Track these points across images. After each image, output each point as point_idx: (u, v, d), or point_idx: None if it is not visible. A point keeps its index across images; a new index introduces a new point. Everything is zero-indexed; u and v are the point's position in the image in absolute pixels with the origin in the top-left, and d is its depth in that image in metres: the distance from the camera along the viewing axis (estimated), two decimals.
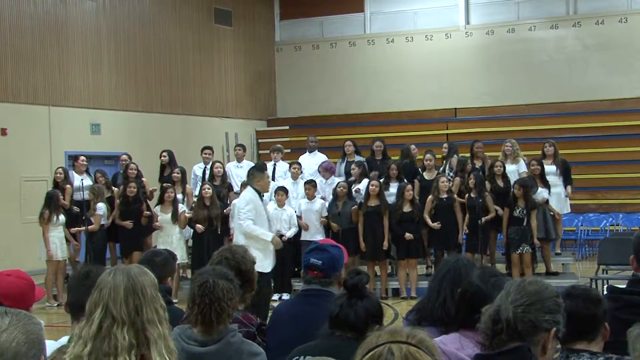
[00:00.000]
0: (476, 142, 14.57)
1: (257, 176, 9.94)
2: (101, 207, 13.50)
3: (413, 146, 14.82)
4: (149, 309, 2.71)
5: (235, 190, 14.28)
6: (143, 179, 14.27)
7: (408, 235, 12.88)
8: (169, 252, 5.14)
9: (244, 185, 13.55)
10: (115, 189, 14.28)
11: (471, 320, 3.26)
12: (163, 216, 13.30)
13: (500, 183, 13.32)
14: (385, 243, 13.00)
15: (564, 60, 20.48)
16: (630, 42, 19.98)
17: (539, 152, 14.27)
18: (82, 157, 14.70)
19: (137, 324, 2.68)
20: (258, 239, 9.71)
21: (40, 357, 2.24)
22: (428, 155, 13.92)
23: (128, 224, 13.46)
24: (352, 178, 13.90)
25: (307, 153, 15.18)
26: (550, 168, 13.63)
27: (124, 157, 14.98)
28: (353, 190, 13.48)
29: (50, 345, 3.32)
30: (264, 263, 9.39)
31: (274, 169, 14.72)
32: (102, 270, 3.69)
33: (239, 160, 15.05)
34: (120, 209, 13.61)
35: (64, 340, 3.50)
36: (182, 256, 13.35)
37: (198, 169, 14.94)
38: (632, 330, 2.87)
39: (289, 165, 14.51)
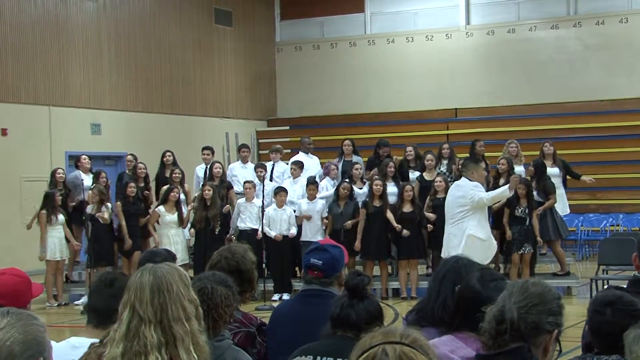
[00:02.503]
0: (477, 142, 14.57)
1: (471, 168, 10.51)
2: (108, 205, 13.57)
3: (410, 147, 14.72)
4: (174, 306, 2.72)
5: (237, 191, 14.33)
6: (150, 183, 14.34)
7: (405, 232, 12.89)
8: (168, 252, 5.12)
9: (247, 183, 13.63)
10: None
11: (467, 323, 3.25)
12: (170, 217, 13.32)
13: (502, 181, 13.34)
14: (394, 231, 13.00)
15: (565, 60, 20.48)
16: (630, 42, 19.98)
17: (539, 153, 14.26)
18: (84, 157, 14.73)
19: (163, 322, 2.70)
20: (482, 232, 10.53)
21: (38, 359, 2.22)
22: (429, 156, 13.92)
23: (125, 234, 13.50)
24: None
25: (305, 154, 15.14)
26: (552, 170, 13.63)
27: (129, 157, 14.98)
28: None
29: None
30: (487, 254, 10.35)
31: (272, 169, 14.74)
32: (126, 278, 3.68)
33: (244, 161, 15.07)
34: (123, 208, 13.64)
35: (73, 340, 3.50)
36: (183, 257, 13.36)
37: (200, 169, 14.97)
38: (629, 333, 2.87)
39: (289, 165, 14.51)
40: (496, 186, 13.13)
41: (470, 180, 10.55)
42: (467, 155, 14.20)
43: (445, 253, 10.80)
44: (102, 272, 3.84)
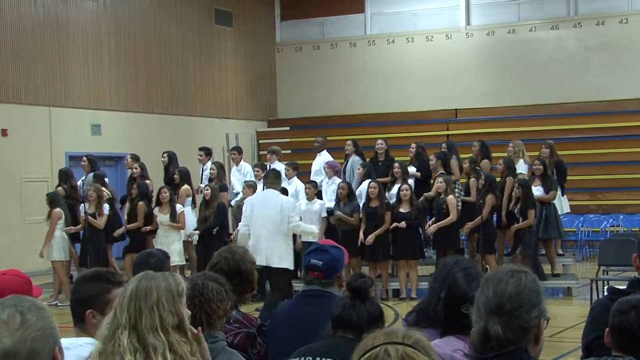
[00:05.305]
0: (474, 142, 14.67)
1: (274, 181, 10.96)
2: (107, 207, 13.54)
3: (413, 145, 14.72)
4: (149, 315, 2.76)
5: (235, 191, 14.34)
6: (148, 180, 14.29)
7: (402, 224, 12.84)
8: (163, 253, 5.15)
9: (248, 187, 13.63)
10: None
11: (462, 323, 3.24)
12: (161, 217, 13.30)
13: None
14: (370, 238, 12.88)
15: (565, 61, 20.48)
16: (630, 43, 19.98)
17: (539, 153, 14.30)
18: (83, 158, 14.76)
19: (137, 328, 2.76)
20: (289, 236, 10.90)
21: (54, 349, 2.21)
22: (432, 156, 13.91)
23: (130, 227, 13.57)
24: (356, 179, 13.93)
25: (318, 154, 15.20)
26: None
27: (128, 157, 14.98)
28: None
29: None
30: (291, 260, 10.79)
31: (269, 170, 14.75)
32: (109, 274, 3.67)
33: (237, 163, 15.09)
34: (130, 209, 13.71)
35: (63, 341, 3.49)
36: (179, 257, 13.29)
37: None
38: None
39: (284, 166, 14.52)
40: (502, 187, 13.18)
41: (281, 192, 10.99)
42: (470, 155, 14.20)
43: (274, 262, 10.86)
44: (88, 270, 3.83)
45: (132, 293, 2.79)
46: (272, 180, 10.93)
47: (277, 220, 10.66)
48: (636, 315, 3.23)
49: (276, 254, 10.87)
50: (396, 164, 13.70)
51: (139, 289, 2.79)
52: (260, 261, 10.72)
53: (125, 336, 2.73)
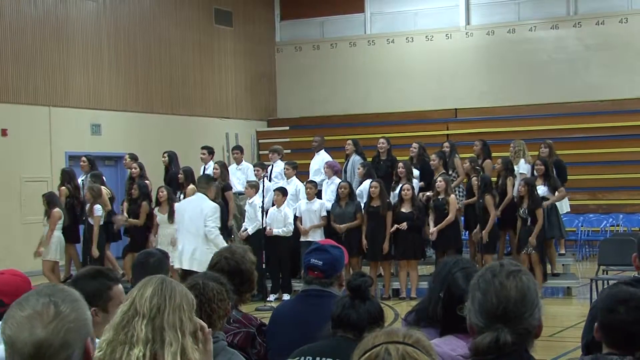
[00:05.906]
0: (476, 142, 14.66)
1: (206, 187, 10.91)
2: (99, 208, 13.45)
3: (415, 145, 14.72)
4: (171, 312, 2.75)
5: (239, 190, 14.36)
6: (147, 181, 14.29)
7: (403, 225, 12.84)
8: (162, 252, 5.16)
9: (250, 187, 13.64)
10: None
11: (461, 323, 3.23)
12: (160, 216, 13.31)
13: (500, 181, 13.46)
14: (385, 246, 12.95)
15: (565, 60, 20.47)
16: (630, 42, 19.98)
17: (538, 153, 14.30)
18: (82, 158, 14.76)
19: (156, 321, 2.71)
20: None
21: (86, 340, 2.19)
22: (433, 156, 13.92)
23: (136, 221, 13.58)
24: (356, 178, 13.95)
25: (317, 154, 15.21)
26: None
27: (126, 157, 14.98)
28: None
29: None
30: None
31: (271, 169, 14.76)
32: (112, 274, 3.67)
33: (238, 162, 15.12)
34: (129, 209, 13.72)
35: None
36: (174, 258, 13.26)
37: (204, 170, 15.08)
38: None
39: (284, 165, 14.55)
40: (503, 188, 13.18)
41: (209, 198, 10.81)
42: (471, 155, 14.19)
43: (194, 266, 10.64)
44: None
45: (157, 288, 2.74)
46: (202, 184, 11.00)
47: (198, 224, 10.65)
48: (626, 309, 3.17)
49: (197, 258, 10.81)
50: (400, 164, 13.69)
51: (164, 286, 2.76)
52: (182, 264, 10.80)
53: (141, 325, 2.68)
